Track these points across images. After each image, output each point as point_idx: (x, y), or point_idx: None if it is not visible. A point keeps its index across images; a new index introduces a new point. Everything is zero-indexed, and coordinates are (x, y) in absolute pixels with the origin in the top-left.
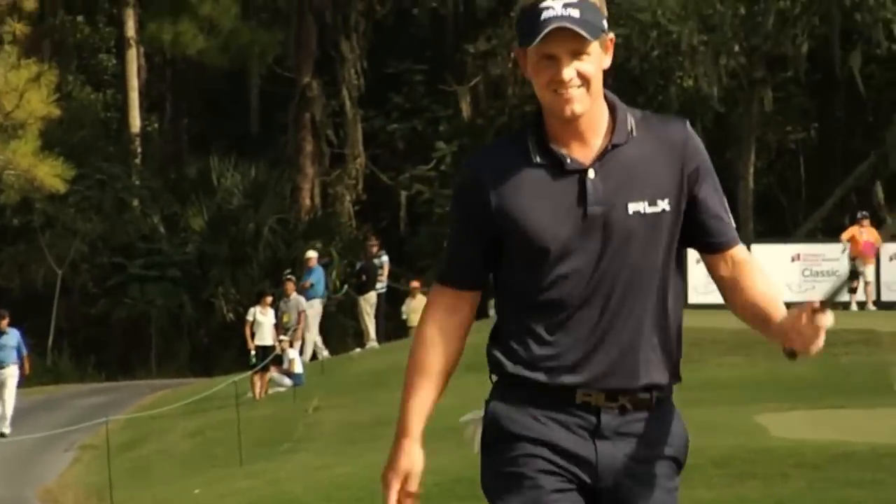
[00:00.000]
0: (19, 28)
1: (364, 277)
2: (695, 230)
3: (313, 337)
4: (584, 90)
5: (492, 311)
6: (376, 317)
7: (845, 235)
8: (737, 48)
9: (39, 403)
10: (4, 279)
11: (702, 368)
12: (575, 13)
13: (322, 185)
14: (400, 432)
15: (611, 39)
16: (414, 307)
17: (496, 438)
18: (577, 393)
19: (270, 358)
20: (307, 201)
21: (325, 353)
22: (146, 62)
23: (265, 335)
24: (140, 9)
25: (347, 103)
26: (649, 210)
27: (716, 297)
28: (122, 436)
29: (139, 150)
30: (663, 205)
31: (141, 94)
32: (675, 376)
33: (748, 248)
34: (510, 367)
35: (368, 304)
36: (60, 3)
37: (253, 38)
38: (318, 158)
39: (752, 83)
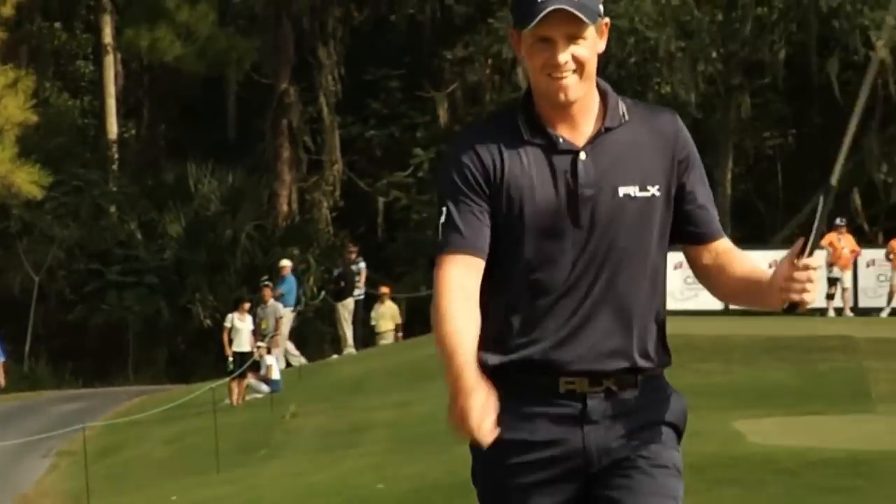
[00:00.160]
0: None
1: (342, 284)
2: (681, 219)
3: (283, 345)
4: (577, 76)
5: None
6: (354, 323)
7: (824, 242)
8: (714, 54)
9: (16, 410)
10: None
11: (679, 375)
12: None
13: (299, 191)
14: (463, 383)
15: (606, 24)
16: (382, 312)
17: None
18: (560, 381)
19: (248, 364)
20: (284, 208)
21: (303, 359)
22: (123, 68)
23: (243, 341)
24: (117, 15)
25: (325, 110)
26: (639, 194)
27: (693, 304)
28: (99, 442)
29: (116, 156)
30: (653, 190)
31: (118, 100)
32: (663, 359)
33: None
34: (493, 360)
35: (346, 310)
36: (37, 9)
37: (230, 44)
38: (296, 165)
39: (730, 89)
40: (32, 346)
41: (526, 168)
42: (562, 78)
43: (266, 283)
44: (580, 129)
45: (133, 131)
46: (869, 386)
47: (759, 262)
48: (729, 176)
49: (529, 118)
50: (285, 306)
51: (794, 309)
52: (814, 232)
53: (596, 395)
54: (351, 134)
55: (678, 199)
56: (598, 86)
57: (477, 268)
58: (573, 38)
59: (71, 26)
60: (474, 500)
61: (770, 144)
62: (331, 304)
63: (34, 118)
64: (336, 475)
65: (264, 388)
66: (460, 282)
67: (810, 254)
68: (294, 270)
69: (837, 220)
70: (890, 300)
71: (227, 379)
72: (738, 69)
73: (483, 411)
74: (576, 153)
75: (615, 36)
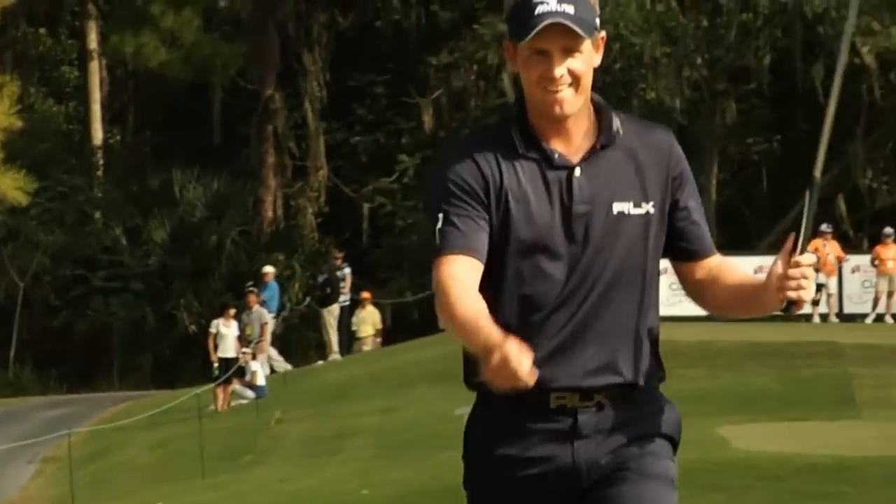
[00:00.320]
0: None
1: (327, 290)
2: (674, 235)
3: (266, 352)
4: (573, 89)
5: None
6: (339, 329)
7: (809, 248)
8: (699, 60)
9: (1, 416)
10: None
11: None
12: (570, 9)
13: (284, 197)
14: (493, 339)
15: (602, 38)
16: (362, 318)
17: (476, 457)
18: (551, 397)
19: (233, 370)
20: (270, 213)
21: (287, 365)
22: (108, 74)
23: (228, 347)
24: (102, 21)
25: (310, 115)
26: (634, 211)
27: (679, 310)
28: (84, 448)
29: (101, 162)
30: (648, 207)
31: (103, 106)
32: (657, 374)
33: None
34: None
35: (332, 316)
36: (22, 14)
37: (215, 50)
38: (281, 171)
39: (715, 95)
40: (17, 352)
41: (522, 182)
42: (557, 91)
43: (251, 288)
44: (574, 143)
45: (118, 137)
46: (854, 392)
47: (746, 269)
48: (714, 182)
49: (524, 131)
50: (269, 312)
51: (792, 308)
52: (803, 226)
53: (587, 409)
54: (336, 140)
55: (671, 215)
56: (592, 100)
57: (476, 269)
58: (569, 51)
59: (56, 32)
60: None
61: (755, 150)
62: (316, 310)
63: (19, 124)
64: (321, 481)
65: (249, 393)
66: (462, 277)
67: (802, 250)
68: (279, 277)
69: (823, 226)
70: (875, 306)
71: (213, 385)
72: (723, 75)
73: (521, 353)
74: (571, 169)
75: None
